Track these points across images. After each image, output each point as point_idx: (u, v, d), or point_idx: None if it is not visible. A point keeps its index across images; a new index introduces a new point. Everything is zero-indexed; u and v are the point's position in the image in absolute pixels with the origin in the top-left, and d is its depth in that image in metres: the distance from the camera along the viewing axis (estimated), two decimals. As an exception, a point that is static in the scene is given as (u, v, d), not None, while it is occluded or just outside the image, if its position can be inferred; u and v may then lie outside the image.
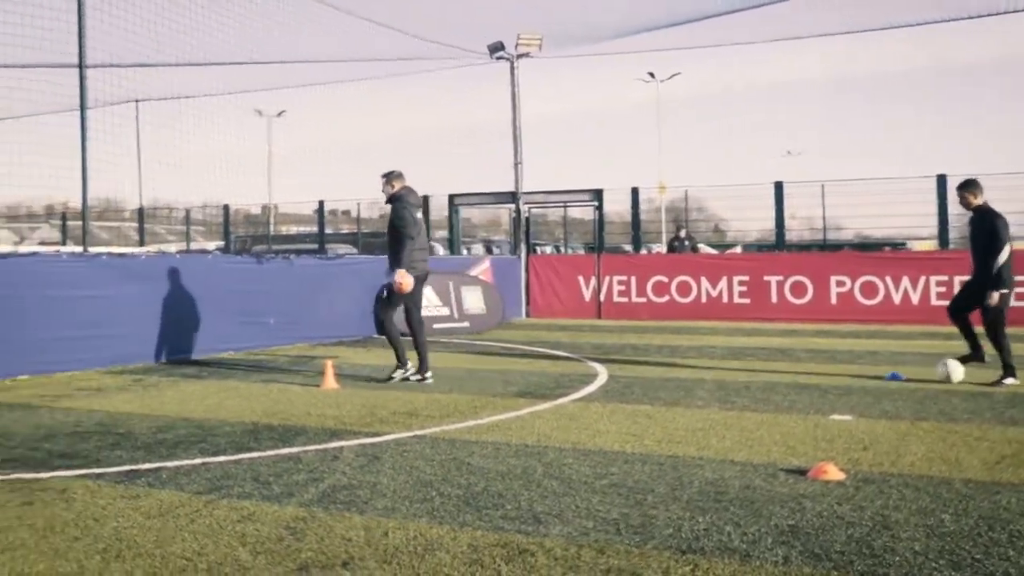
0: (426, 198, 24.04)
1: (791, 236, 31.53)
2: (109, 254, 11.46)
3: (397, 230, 9.62)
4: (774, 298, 18.52)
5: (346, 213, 38.15)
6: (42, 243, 39.32)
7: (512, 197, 21.00)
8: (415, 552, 4.05)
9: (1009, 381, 9.15)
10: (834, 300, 18.07)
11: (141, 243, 30.79)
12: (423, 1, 18.00)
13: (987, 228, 9.22)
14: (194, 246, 34.96)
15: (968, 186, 9.43)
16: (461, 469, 5.61)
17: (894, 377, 9.66)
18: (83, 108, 11.39)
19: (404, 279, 9.52)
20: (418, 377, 9.69)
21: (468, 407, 8.01)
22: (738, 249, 28.23)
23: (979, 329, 9.60)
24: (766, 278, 18.60)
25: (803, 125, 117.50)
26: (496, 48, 19.97)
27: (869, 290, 17.81)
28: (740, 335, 15.40)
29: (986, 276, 9.21)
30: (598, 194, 20.86)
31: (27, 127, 12.35)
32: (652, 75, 52.99)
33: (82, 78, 11.41)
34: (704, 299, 19.05)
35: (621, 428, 6.92)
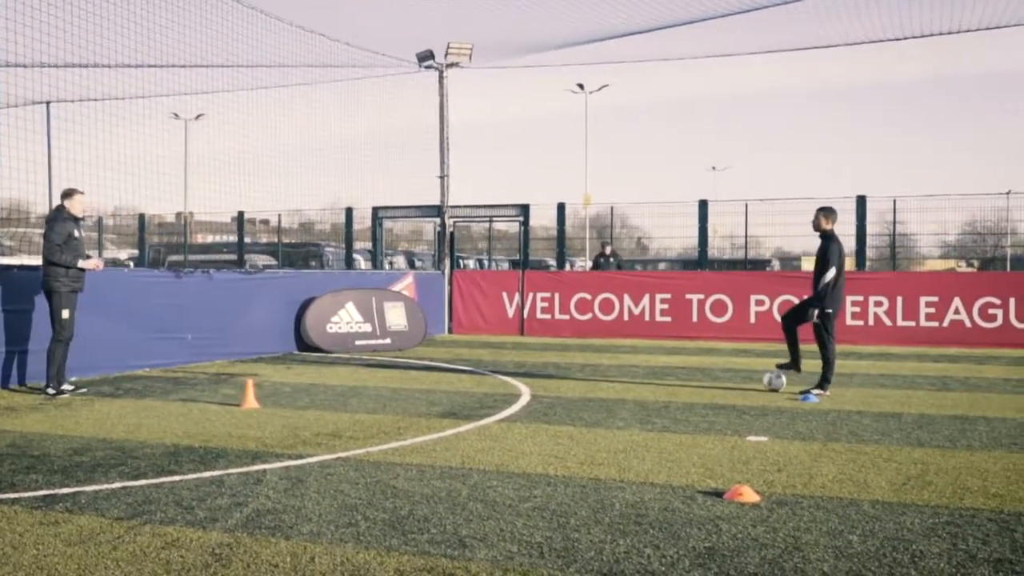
0: (349, 210, 23.94)
1: (712, 253, 32.18)
2: (21, 267, 11.10)
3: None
4: (695, 317, 18.92)
5: (264, 222, 37.65)
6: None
7: (437, 211, 21.02)
8: (342, 579, 4.08)
9: (817, 392, 10.25)
10: (753, 319, 18.55)
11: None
12: (352, 8, 17.94)
13: (821, 251, 10.41)
14: (106, 255, 34.08)
15: (824, 211, 10.56)
16: (386, 492, 5.64)
17: (807, 398, 9.98)
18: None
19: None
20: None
21: (392, 428, 8.03)
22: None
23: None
24: (688, 296, 18.99)
25: (730, 140, 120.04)
26: (425, 57, 19.89)
27: (787, 309, 18.29)
28: (661, 354, 15.70)
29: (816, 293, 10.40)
30: (524, 209, 21.01)
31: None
32: (581, 86, 53.51)
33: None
34: (627, 317, 19.35)
35: (544, 450, 7.03)
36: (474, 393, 10.39)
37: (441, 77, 20.58)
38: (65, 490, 5.67)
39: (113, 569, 4.19)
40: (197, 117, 31.52)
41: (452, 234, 21.20)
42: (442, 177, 20.84)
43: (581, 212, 46.06)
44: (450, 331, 20.28)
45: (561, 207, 21.12)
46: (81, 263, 10.11)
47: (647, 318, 19.20)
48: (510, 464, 6.49)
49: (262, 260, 28.83)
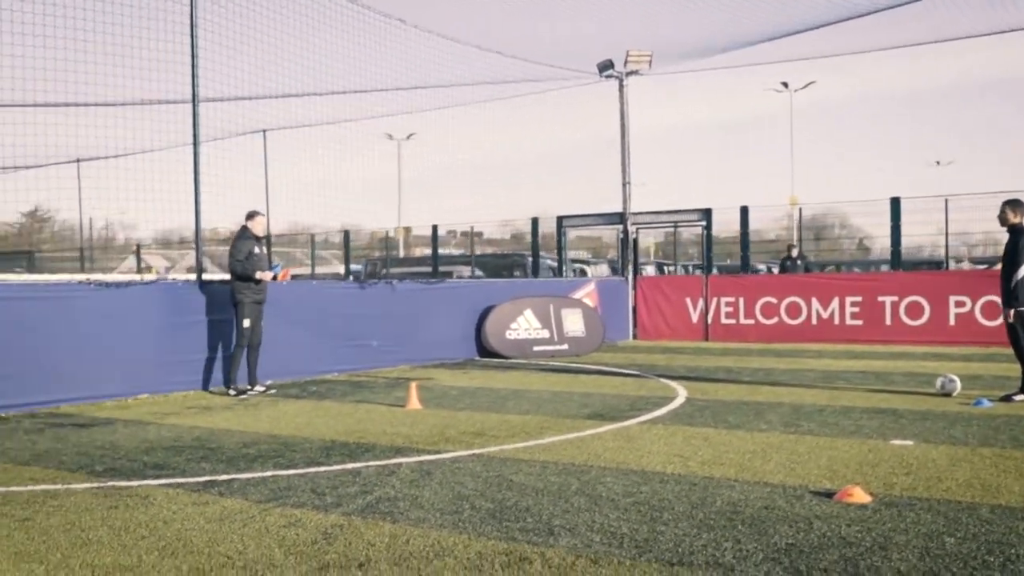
0: (535, 220, 24.58)
1: (939, 252, 30.33)
2: (222, 282, 12.29)
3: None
4: (888, 320, 18.10)
5: (479, 235, 39.17)
6: (190, 268, 41.87)
7: (620, 218, 21.24)
8: (425, 557, 4.46)
9: (1020, 398, 9.66)
10: (953, 321, 17.53)
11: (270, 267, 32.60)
12: (532, 25, 18.51)
13: (1011, 246, 9.71)
14: (328, 269, 37.03)
15: (1011, 204, 9.76)
16: (501, 485, 5.99)
17: (980, 403, 9.47)
18: (196, 143, 12.19)
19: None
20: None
21: (536, 428, 8.38)
22: (964, 265, 26.35)
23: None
24: (880, 299, 18.20)
25: (947, 134, 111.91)
26: (605, 67, 20.17)
27: (991, 311, 17.18)
28: (846, 358, 15.18)
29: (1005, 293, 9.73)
30: (707, 213, 20.84)
31: (175, 157, 13.45)
32: (785, 85, 51.78)
33: (195, 113, 12.24)
34: (815, 320, 18.78)
35: (671, 450, 7.15)
36: (630, 396, 10.56)
37: (621, 85, 20.81)
38: (224, 476, 6.40)
39: (236, 543, 4.77)
40: (408, 136, 33.40)
41: (635, 240, 21.33)
42: (625, 184, 21.06)
43: (793, 214, 44.59)
44: (635, 337, 20.42)
45: (744, 209, 20.77)
46: (258, 274, 11.25)
47: (836, 321, 18.54)
48: (631, 462, 6.68)
49: (466, 271, 29.95)
